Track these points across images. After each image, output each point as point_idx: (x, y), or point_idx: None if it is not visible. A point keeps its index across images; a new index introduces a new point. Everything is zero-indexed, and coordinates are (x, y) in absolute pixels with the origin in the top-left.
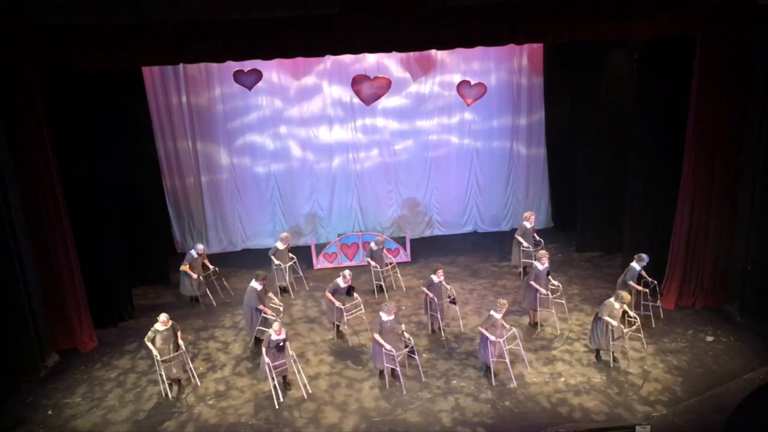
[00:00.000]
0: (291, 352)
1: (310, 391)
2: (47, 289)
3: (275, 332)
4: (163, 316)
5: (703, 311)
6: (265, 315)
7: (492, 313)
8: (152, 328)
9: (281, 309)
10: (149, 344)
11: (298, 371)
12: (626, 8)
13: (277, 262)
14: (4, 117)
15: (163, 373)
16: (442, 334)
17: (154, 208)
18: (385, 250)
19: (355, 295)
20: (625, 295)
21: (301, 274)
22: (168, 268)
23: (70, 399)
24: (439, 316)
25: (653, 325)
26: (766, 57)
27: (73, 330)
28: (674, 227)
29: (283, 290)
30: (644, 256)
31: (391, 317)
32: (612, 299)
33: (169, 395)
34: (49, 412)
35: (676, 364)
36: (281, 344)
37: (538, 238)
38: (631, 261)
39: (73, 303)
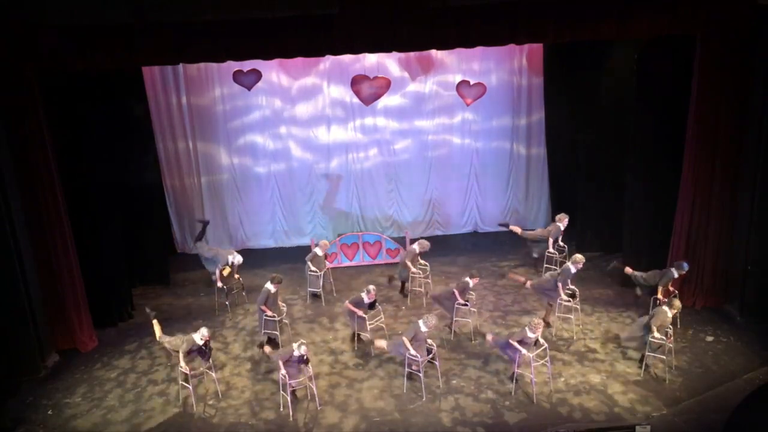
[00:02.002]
0: (309, 369)
1: (319, 407)
2: (47, 289)
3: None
4: (205, 331)
5: (703, 311)
6: (266, 316)
7: (526, 330)
8: (187, 338)
9: (284, 311)
10: (167, 345)
11: (313, 383)
12: (626, 8)
13: (313, 268)
14: (4, 117)
15: (189, 386)
16: (451, 335)
17: (154, 208)
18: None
19: (378, 307)
20: (676, 302)
21: (331, 281)
22: (168, 268)
23: (70, 399)
24: (453, 315)
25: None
26: (766, 57)
27: (73, 330)
28: (674, 227)
29: (316, 296)
30: (685, 264)
31: (427, 330)
32: (664, 307)
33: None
34: (49, 412)
35: (676, 364)
36: (304, 358)
37: (562, 244)
38: (669, 266)
39: (73, 303)
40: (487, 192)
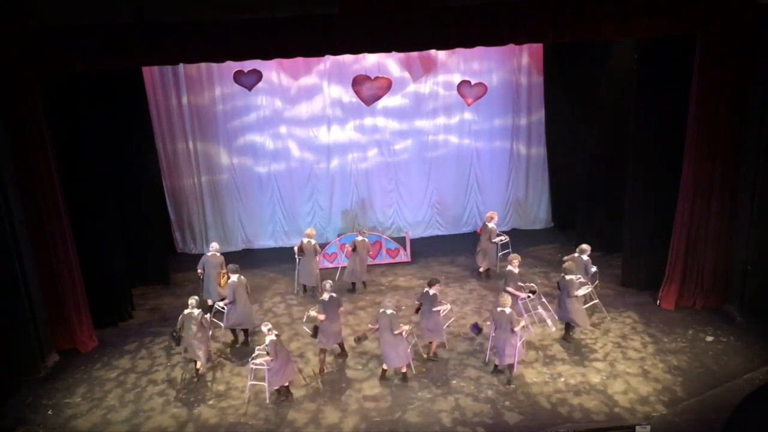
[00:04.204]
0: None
1: (267, 401)
2: (47, 289)
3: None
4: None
5: (703, 311)
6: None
7: (497, 309)
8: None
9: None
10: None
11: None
12: (626, 8)
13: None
14: (4, 117)
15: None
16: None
17: (154, 208)
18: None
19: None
20: (569, 264)
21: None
22: (168, 268)
23: (70, 399)
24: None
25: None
26: (766, 57)
27: (73, 330)
28: (674, 227)
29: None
30: (586, 246)
31: (392, 312)
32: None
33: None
34: (49, 412)
35: (676, 364)
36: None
37: (504, 237)
38: (575, 254)
39: (73, 303)
40: (487, 192)
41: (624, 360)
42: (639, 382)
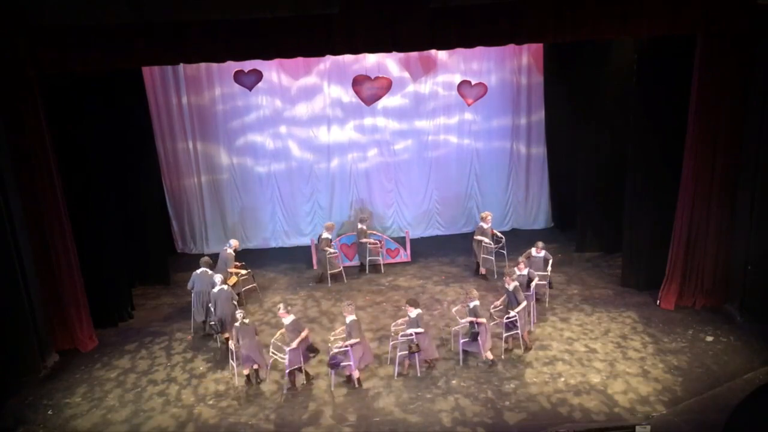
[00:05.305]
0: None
1: (236, 384)
2: (47, 289)
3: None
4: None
5: (703, 311)
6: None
7: (472, 304)
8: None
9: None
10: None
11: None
12: (626, 8)
13: (332, 250)
14: (4, 117)
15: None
16: (418, 372)
17: (154, 208)
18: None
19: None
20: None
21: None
22: (168, 268)
23: (70, 399)
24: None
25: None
26: (766, 57)
27: (73, 330)
28: (674, 227)
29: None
30: (538, 243)
31: (353, 316)
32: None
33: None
34: (49, 412)
35: (676, 364)
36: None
37: (500, 235)
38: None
39: (73, 303)
40: (487, 192)
41: (624, 360)
42: (639, 382)
